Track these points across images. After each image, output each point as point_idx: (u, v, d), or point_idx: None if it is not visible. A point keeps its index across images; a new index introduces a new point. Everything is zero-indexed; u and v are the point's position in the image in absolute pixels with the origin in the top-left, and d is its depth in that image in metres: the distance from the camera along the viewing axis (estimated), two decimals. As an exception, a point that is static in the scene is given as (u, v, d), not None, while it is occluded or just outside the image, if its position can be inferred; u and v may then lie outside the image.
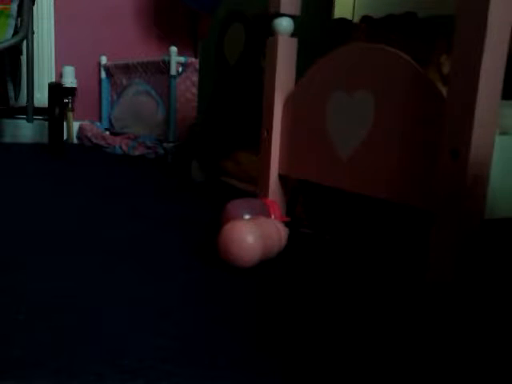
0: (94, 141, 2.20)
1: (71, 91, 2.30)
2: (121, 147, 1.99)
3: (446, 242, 0.59)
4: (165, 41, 2.44)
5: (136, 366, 0.42)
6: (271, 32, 0.87)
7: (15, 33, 1.68)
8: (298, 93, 0.86)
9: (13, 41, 1.64)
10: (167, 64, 1.86)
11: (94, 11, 2.34)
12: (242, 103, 1.15)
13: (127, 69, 2.15)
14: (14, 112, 1.90)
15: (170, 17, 2.47)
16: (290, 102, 0.88)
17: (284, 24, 0.86)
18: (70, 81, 2.28)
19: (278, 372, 0.42)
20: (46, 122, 1.81)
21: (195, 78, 1.87)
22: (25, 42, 1.71)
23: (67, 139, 2.26)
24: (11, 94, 1.85)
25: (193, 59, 1.91)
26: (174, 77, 1.86)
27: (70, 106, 2.30)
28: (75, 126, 2.34)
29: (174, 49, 1.84)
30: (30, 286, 0.58)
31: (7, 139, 2.21)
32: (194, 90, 1.88)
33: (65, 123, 2.09)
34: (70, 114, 2.31)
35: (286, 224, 0.82)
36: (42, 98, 1.97)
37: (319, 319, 0.54)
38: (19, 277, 0.61)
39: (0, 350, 0.43)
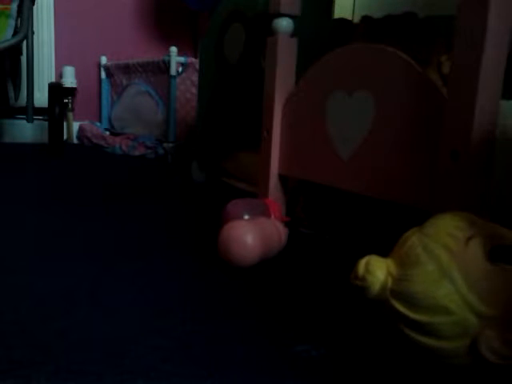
0: (94, 141, 2.20)
1: (71, 91, 2.30)
2: (121, 147, 1.99)
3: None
4: (165, 41, 2.44)
5: (136, 366, 0.42)
6: (271, 32, 0.87)
7: (15, 33, 1.68)
8: (298, 93, 0.86)
9: (13, 41, 1.64)
10: (167, 64, 1.86)
11: (94, 11, 2.34)
12: (242, 103, 1.15)
13: (127, 69, 2.14)
14: (14, 112, 1.89)
15: (170, 17, 2.47)
16: (290, 102, 0.88)
17: (284, 24, 0.85)
18: (69, 81, 2.28)
19: (277, 372, 0.42)
20: (46, 122, 1.81)
21: (195, 78, 1.87)
22: (25, 42, 1.71)
23: (67, 139, 2.26)
24: (11, 93, 1.85)
25: (193, 59, 1.91)
26: (174, 77, 1.86)
27: (69, 106, 2.29)
28: (75, 126, 2.34)
29: (174, 49, 1.84)
30: (30, 286, 0.58)
31: (7, 139, 2.21)
32: (194, 90, 1.88)
33: (65, 123, 2.09)
34: (70, 114, 2.30)
35: (286, 224, 0.82)
36: (42, 98, 1.97)
37: (318, 318, 0.54)
38: (19, 277, 0.61)
39: (0, 350, 0.43)
